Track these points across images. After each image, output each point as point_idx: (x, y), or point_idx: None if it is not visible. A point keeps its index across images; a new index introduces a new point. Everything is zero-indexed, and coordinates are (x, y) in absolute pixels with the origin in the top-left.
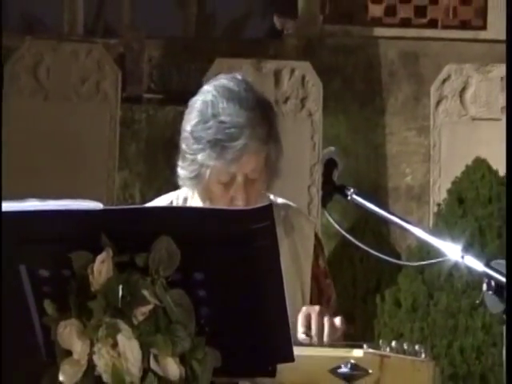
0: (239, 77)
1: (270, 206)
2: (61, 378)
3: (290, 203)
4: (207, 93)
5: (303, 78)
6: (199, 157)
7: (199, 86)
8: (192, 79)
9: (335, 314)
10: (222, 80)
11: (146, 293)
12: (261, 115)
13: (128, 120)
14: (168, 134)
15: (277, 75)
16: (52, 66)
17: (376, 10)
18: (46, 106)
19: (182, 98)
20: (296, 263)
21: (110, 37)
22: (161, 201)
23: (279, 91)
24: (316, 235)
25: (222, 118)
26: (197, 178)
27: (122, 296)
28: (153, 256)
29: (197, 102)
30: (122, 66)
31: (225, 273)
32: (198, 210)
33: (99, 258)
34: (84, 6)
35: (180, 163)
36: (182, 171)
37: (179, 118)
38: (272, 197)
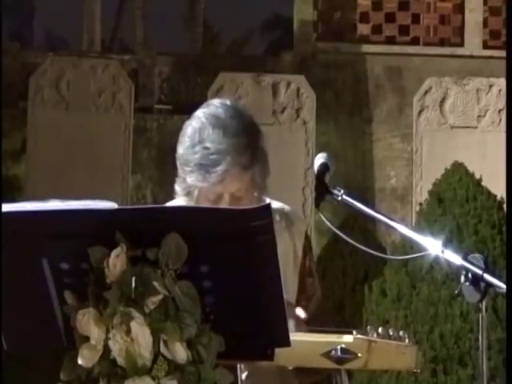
0: (228, 103)
1: (269, 206)
2: (80, 361)
3: (285, 206)
4: (198, 119)
5: (298, 90)
6: (188, 178)
7: (204, 97)
8: (198, 91)
9: (318, 310)
10: (212, 107)
11: (156, 284)
12: (245, 142)
13: (140, 128)
14: (176, 141)
15: (274, 88)
16: (72, 80)
17: (364, 29)
18: (68, 116)
19: (189, 109)
20: (294, 256)
21: (124, 53)
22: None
23: (277, 102)
24: (306, 235)
25: (207, 144)
26: (188, 196)
27: (135, 287)
28: (163, 251)
29: (188, 127)
30: (135, 80)
31: (228, 266)
32: (204, 209)
33: (114, 252)
34: (101, 25)
35: (176, 179)
36: (177, 187)
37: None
38: (268, 201)
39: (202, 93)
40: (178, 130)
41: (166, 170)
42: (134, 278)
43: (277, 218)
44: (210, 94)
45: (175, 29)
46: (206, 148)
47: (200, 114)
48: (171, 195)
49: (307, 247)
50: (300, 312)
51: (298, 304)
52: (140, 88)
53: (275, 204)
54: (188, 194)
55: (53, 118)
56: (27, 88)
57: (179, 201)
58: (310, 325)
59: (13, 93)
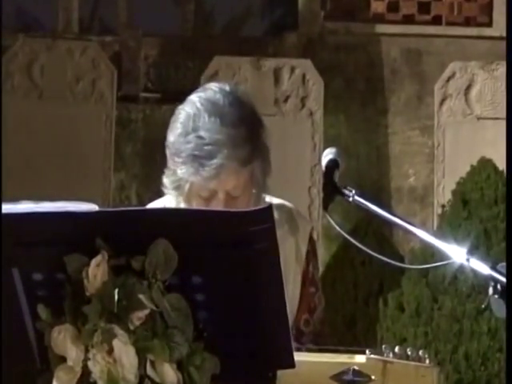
0: (227, 88)
1: (270, 208)
2: None
3: (286, 203)
4: (192, 104)
5: (304, 76)
6: (178, 170)
7: (197, 84)
8: (190, 78)
9: (320, 325)
10: (209, 91)
11: (142, 297)
12: (244, 134)
13: (124, 120)
14: (165, 134)
15: (276, 74)
16: (46, 65)
17: (378, 7)
18: (41, 106)
19: (180, 98)
20: (297, 264)
21: (105, 35)
22: (154, 205)
23: (279, 90)
24: (311, 237)
25: (202, 133)
26: (178, 190)
27: (118, 300)
28: (149, 259)
29: (181, 113)
30: (117, 65)
31: (224, 276)
32: (196, 211)
33: (94, 261)
34: (79, 3)
35: (165, 171)
36: (166, 180)
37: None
38: (268, 198)
39: (194, 79)
40: (166, 121)
41: (153, 167)
42: (116, 290)
43: (276, 216)
44: (203, 81)
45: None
46: (201, 137)
47: (195, 98)
48: (159, 196)
49: (311, 252)
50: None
51: (297, 318)
52: (123, 74)
53: (275, 200)
54: (177, 187)
55: (24, 108)
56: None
57: (168, 198)
58: (314, 343)
59: None
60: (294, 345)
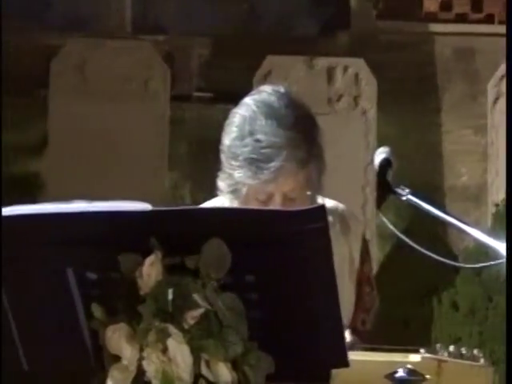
0: (282, 90)
1: (323, 207)
2: (109, 383)
3: (339, 204)
4: (247, 107)
5: (356, 75)
6: (235, 174)
7: (250, 84)
8: (242, 77)
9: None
10: (264, 94)
11: (196, 296)
12: (301, 135)
13: (178, 119)
14: (218, 134)
15: (329, 73)
16: (99, 65)
17: (431, 5)
18: (93, 106)
19: (232, 97)
20: (350, 264)
21: (158, 34)
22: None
23: (332, 89)
24: (363, 238)
25: (259, 136)
26: (234, 194)
27: (172, 300)
28: (203, 258)
29: (236, 116)
30: (170, 64)
31: (277, 275)
32: (250, 210)
33: (148, 260)
34: (132, 3)
35: (220, 174)
36: (221, 183)
37: (228, 116)
38: (320, 199)
39: (246, 79)
40: (219, 121)
41: (206, 166)
42: (171, 290)
43: (330, 219)
44: (256, 80)
45: (216, 6)
46: (258, 140)
47: (250, 101)
48: (213, 195)
49: (364, 252)
50: (347, 335)
51: (354, 318)
52: (176, 73)
53: (328, 203)
54: (234, 191)
55: (77, 108)
56: (47, 74)
57: (221, 199)
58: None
59: (31, 80)
60: (347, 344)
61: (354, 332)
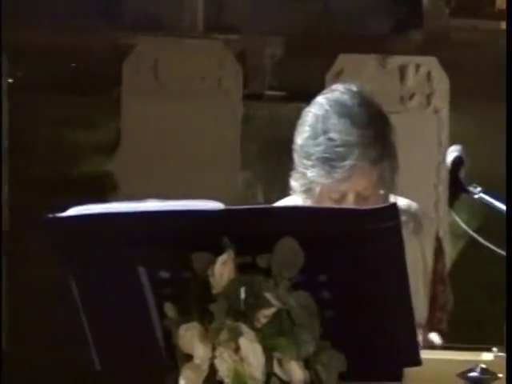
0: (355, 89)
1: (396, 206)
2: (182, 382)
3: (412, 203)
4: (320, 106)
5: (429, 73)
6: (309, 173)
7: (322, 82)
8: (315, 76)
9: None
10: (336, 92)
11: (268, 295)
12: (374, 133)
13: (250, 118)
14: (290, 133)
15: (402, 71)
16: (171, 64)
17: (503, 3)
18: (165, 105)
19: (305, 96)
20: (423, 263)
21: (230, 33)
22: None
23: (404, 87)
24: (437, 236)
25: (332, 134)
26: (307, 193)
27: (245, 298)
28: (276, 257)
29: (309, 115)
30: (243, 63)
31: (349, 274)
32: (322, 209)
33: (221, 259)
34: (204, 2)
35: (292, 174)
36: (294, 183)
37: (300, 115)
38: (392, 198)
39: (319, 77)
40: (292, 119)
41: (278, 165)
42: (243, 289)
43: (403, 218)
44: (328, 79)
45: (289, 5)
46: (331, 139)
47: (322, 100)
48: (285, 194)
49: (438, 250)
50: (434, 337)
51: (430, 317)
52: (249, 72)
53: (401, 202)
54: (307, 191)
55: (150, 107)
56: (120, 73)
57: (294, 198)
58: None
59: (104, 79)
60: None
61: (431, 331)
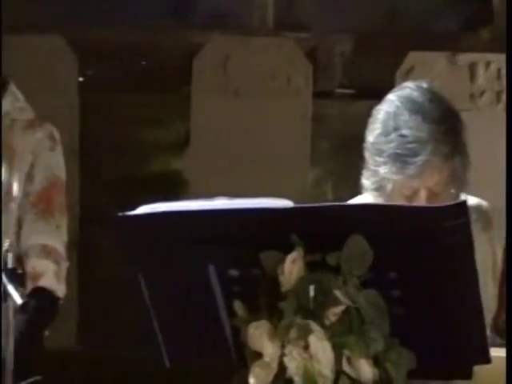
0: (425, 85)
1: (465, 203)
2: (251, 380)
3: (481, 201)
4: (390, 103)
5: (499, 70)
6: (381, 170)
7: (392, 80)
8: (385, 73)
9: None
10: (407, 89)
11: (338, 293)
12: (445, 129)
13: (320, 116)
14: (360, 130)
15: (472, 68)
16: (241, 62)
17: None
18: (236, 103)
19: (375, 94)
20: (493, 262)
21: (300, 31)
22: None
23: (474, 85)
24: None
25: (404, 131)
26: (379, 190)
27: (314, 296)
28: (345, 255)
29: (380, 113)
30: (313, 61)
31: (418, 272)
32: (391, 207)
33: (290, 257)
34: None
35: (364, 172)
36: (365, 181)
37: (371, 113)
38: (463, 196)
39: (389, 75)
40: (361, 117)
41: (348, 162)
42: (312, 287)
43: (473, 217)
44: (398, 76)
45: (359, 3)
46: (403, 136)
47: (393, 97)
48: (355, 191)
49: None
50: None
51: (497, 315)
52: (319, 70)
53: (471, 200)
54: (379, 188)
55: (219, 105)
56: (190, 71)
57: (366, 196)
58: None
59: (174, 77)
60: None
61: (497, 329)
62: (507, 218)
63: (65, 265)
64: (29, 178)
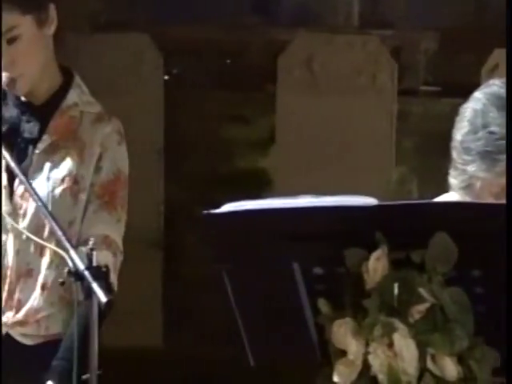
0: None
1: None
2: (335, 378)
3: None
4: (477, 101)
5: None
6: (469, 168)
7: (477, 77)
8: (470, 71)
9: None
10: (493, 86)
11: (422, 291)
12: None
13: (404, 113)
14: (445, 128)
15: None
16: (326, 59)
17: None
18: (321, 101)
19: (460, 91)
20: None
21: (385, 28)
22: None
23: None
24: None
25: (492, 128)
26: (467, 189)
27: (398, 294)
28: (430, 253)
29: (467, 111)
30: (397, 59)
31: (503, 269)
32: (477, 204)
33: (374, 255)
34: None
35: (451, 172)
36: (453, 180)
37: (456, 111)
38: None
39: (474, 72)
40: (446, 115)
41: (433, 160)
42: (396, 284)
43: None
44: (483, 74)
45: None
46: (492, 133)
47: (479, 95)
48: (440, 190)
49: None
50: None
51: None
52: (404, 68)
53: None
54: (467, 186)
55: (304, 103)
56: (275, 69)
57: (452, 194)
58: None
59: (259, 75)
60: None
61: None
62: (507, 218)
63: (120, 258)
64: (96, 170)
